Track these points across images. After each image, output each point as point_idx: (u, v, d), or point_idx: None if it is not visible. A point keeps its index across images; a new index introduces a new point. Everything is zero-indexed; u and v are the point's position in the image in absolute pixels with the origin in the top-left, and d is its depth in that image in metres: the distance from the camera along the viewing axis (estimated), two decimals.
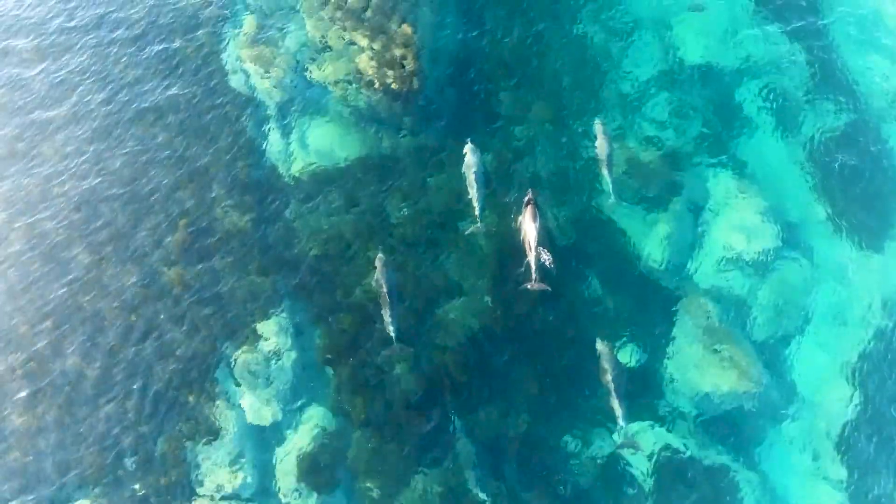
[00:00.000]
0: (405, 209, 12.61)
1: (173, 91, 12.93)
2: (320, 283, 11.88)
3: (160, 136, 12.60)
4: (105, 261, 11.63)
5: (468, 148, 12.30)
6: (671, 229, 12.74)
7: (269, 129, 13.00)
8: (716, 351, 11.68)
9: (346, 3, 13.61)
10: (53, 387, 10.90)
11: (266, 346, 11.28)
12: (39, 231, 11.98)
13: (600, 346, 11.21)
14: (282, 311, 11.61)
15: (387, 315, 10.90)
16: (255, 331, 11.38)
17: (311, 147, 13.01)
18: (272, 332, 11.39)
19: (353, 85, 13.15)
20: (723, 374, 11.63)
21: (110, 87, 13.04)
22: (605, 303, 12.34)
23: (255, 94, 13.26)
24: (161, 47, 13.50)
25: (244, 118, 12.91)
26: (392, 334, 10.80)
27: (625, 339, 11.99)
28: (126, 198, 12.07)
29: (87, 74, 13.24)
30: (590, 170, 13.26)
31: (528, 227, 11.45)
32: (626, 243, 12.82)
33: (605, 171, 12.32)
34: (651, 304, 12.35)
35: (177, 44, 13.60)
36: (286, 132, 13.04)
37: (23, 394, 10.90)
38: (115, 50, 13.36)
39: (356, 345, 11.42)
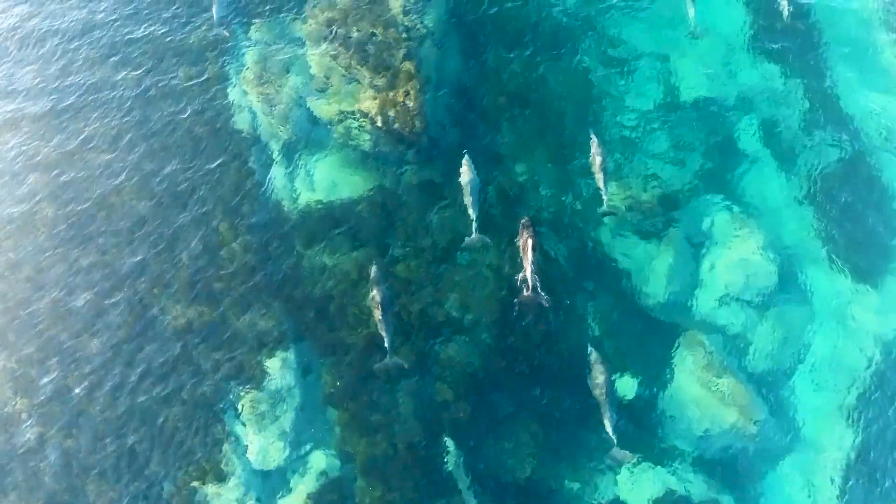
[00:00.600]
0: (408, 246, 12.75)
1: (179, 131, 13.05)
2: (325, 322, 12.02)
3: (165, 176, 12.71)
4: (110, 303, 11.75)
5: (465, 161, 12.59)
6: (671, 265, 12.91)
7: (273, 168, 13.14)
8: (715, 388, 11.85)
9: (349, 38, 13.74)
10: (59, 429, 11.01)
11: (272, 385, 11.43)
12: (41, 269, 12.10)
13: (592, 355, 11.45)
14: (287, 350, 11.76)
15: (381, 327, 11.10)
16: (260, 371, 11.52)
17: (315, 184, 13.14)
18: (277, 372, 11.54)
19: (357, 122, 13.28)
20: (722, 411, 11.80)
21: (114, 125, 13.14)
22: (605, 338, 12.51)
23: (259, 132, 13.39)
24: (165, 83, 13.61)
25: (250, 156, 13.06)
26: (386, 346, 11.00)
27: (624, 374, 12.16)
28: (130, 239, 12.18)
29: (90, 112, 13.33)
30: (589, 206, 13.44)
31: (526, 244, 11.69)
32: (626, 278, 13.00)
33: (599, 181, 12.51)
34: (651, 340, 12.53)
35: (181, 80, 13.71)
36: (291, 170, 13.17)
37: (30, 435, 11.01)
38: (119, 90, 13.45)
39: (361, 384, 11.57)
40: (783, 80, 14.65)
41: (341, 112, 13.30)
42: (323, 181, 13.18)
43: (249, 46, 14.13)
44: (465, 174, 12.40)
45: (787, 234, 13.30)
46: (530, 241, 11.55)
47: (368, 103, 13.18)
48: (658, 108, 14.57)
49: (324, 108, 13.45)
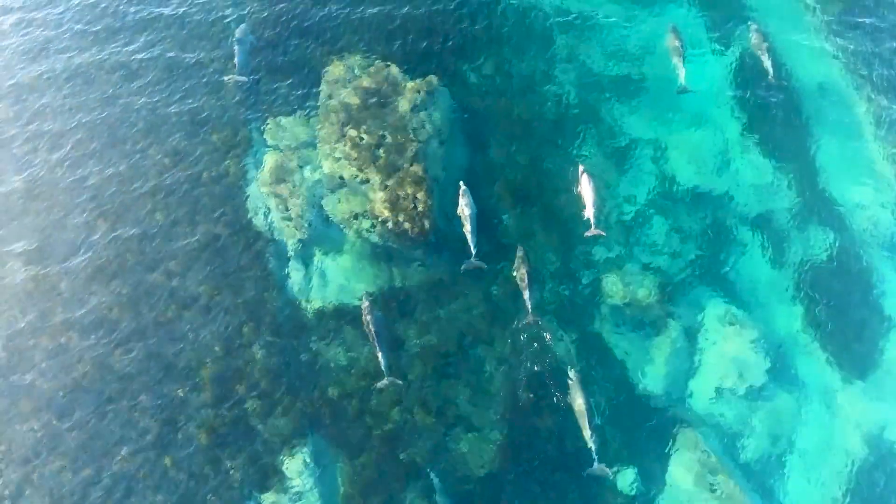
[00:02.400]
0: (418, 342, 13.46)
1: (197, 233, 13.74)
2: (343, 421, 12.70)
3: (187, 277, 13.41)
4: (132, 407, 12.43)
5: (462, 190, 13.63)
6: (667, 358, 13.61)
7: (290, 267, 13.84)
8: (710, 485, 12.49)
9: (360, 140, 14.47)
10: None
11: (292, 487, 12.09)
12: (63, 371, 12.79)
13: (572, 376, 12.48)
14: (307, 450, 12.41)
15: (377, 351, 12.20)
16: (281, 472, 12.19)
17: (329, 283, 13.85)
18: (297, 473, 12.21)
19: (368, 222, 13.99)
20: None
21: (135, 231, 13.85)
22: (606, 427, 13.16)
23: (276, 232, 14.09)
24: (186, 186, 14.34)
25: (267, 257, 13.76)
26: (383, 369, 12.16)
27: (620, 468, 12.81)
28: (152, 345, 12.88)
29: (113, 218, 14.04)
30: (590, 299, 14.18)
31: (521, 272, 13.02)
32: (625, 370, 13.68)
33: (589, 209, 13.51)
34: (647, 434, 13.16)
35: (206, 179, 14.43)
36: (306, 269, 13.88)
37: None
38: (141, 194, 14.19)
39: (380, 483, 12.24)
40: (774, 171, 15.37)
41: (353, 213, 14.02)
42: (336, 279, 13.88)
43: (266, 146, 14.85)
44: (462, 203, 13.49)
45: (778, 326, 13.98)
46: (525, 271, 12.90)
47: (379, 206, 13.89)
48: (654, 197, 15.30)
49: (336, 209, 14.17)
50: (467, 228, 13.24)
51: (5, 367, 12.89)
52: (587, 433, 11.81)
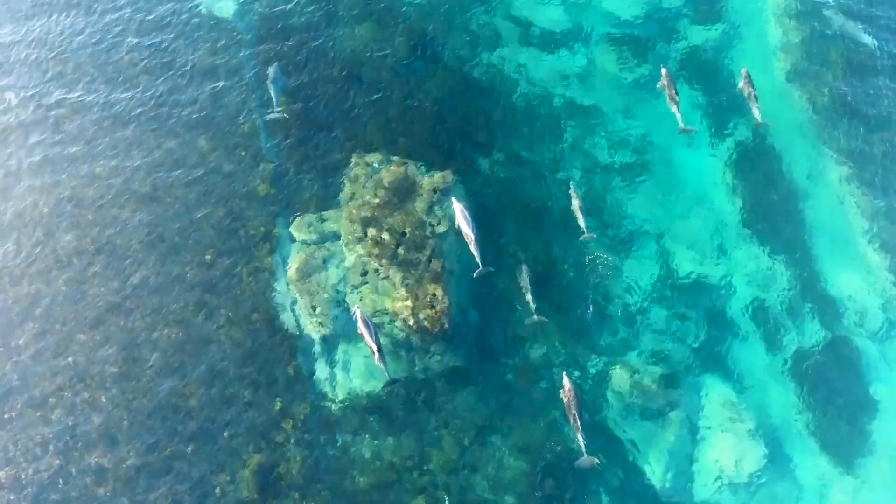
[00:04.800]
0: (437, 433, 14.41)
1: (229, 340, 14.69)
2: None
3: (226, 389, 14.34)
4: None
5: (453, 201, 14.85)
6: (671, 446, 14.56)
7: (316, 362, 14.78)
8: None
9: (381, 239, 15.44)
10: None
11: None
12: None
13: (566, 381, 13.63)
14: None
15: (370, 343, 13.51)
16: None
17: (353, 376, 14.76)
18: None
19: (389, 318, 14.94)
20: None
21: (172, 331, 14.81)
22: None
23: (303, 328, 15.01)
24: (224, 283, 15.29)
25: (297, 354, 14.70)
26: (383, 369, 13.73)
27: None
28: (197, 444, 13.84)
29: (148, 330, 14.96)
30: (598, 387, 15.15)
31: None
32: (632, 456, 14.64)
33: (580, 220, 15.27)
34: None
35: (241, 276, 15.37)
36: (332, 363, 14.80)
37: None
38: (176, 294, 15.15)
39: None
40: (770, 260, 16.39)
41: (375, 310, 14.96)
42: (360, 373, 14.80)
43: (294, 241, 15.80)
44: (458, 214, 14.67)
45: (774, 415, 14.97)
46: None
47: (400, 304, 14.84)
48: (656, 284, 16.32)
49: (360, 304, 15.10)
50: (469, 238, 14.38)
51: None
52: (577, 430, 13.26)
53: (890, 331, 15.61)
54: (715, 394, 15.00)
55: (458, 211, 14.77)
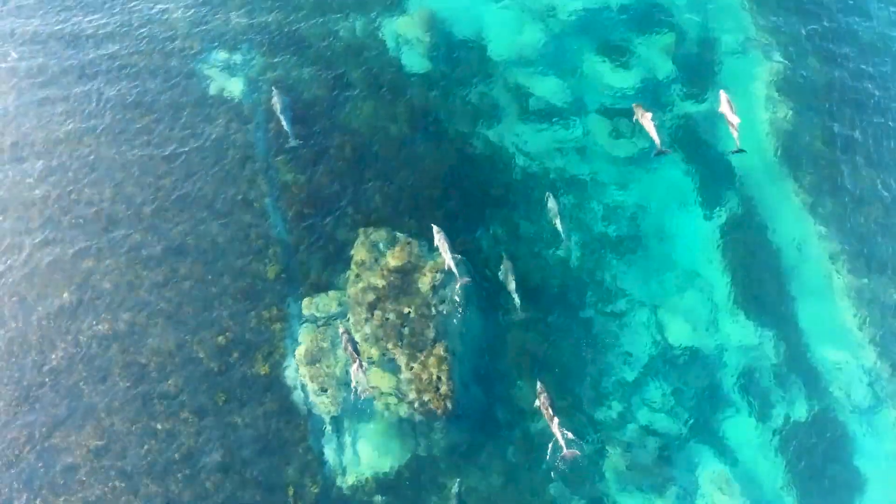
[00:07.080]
0: None
1: (247, 416, 15.39)
2: None
3: (245, 454, 15.06)
4: None
5: (434, 230, 16.08)
6: None
7: (326, 443, 15.45)
8: None
9: (386, 320, 16.11)
10: None
11: None
12: None
13: (539, 386, 14.74)
14: None
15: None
16: None
17: (360, 455, 15.42)
18: None
19: (395, 399, 15.61)
20: None
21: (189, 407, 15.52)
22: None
23: (313, 408, 15.69)
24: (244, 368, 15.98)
25: (308, 437, 15.38)
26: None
27: None
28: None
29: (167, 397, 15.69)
30: (597, 462, 15.83)
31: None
32: None
33: (559, 228, 16.91)
34: None
35: (258, 364, 16.06)
36: (340, 442, 15.48)
37: None
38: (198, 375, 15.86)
39: None
40: (759, 334, 17.05)
41: (382, 392, 15.65)
42: (367, 451, 15.45)
43: (303, 322, 16.47)
44: (438, 241, 16.00)
45: (763, 484, 15.65)
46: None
47: (405, 386, 15.53)
48: (650, 356, 17.02)
49: (367, 385, 15.80)
50: (448, 260, 15.74)
51: None
52: (555, 430, 14.30)
53: (875, 405, 16.27)
54: (708, 468, 15.73)
55: (439, 238, 16.08)
